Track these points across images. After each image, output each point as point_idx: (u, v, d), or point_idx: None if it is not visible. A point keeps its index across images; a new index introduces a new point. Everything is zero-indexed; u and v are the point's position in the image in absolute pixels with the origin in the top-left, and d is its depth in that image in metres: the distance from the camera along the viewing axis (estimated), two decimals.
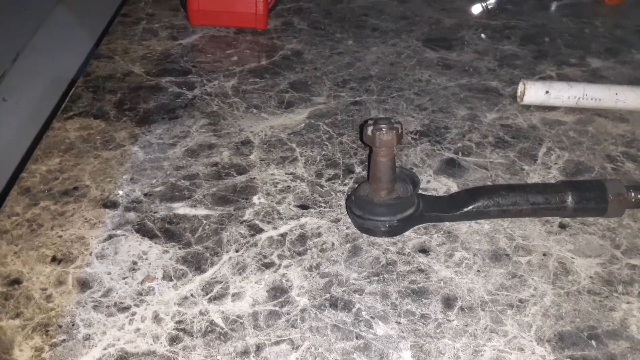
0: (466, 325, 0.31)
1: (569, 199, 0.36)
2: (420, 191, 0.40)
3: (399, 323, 0.31)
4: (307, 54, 0.60)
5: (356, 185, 0.40)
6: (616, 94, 0.49)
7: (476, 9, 0.69)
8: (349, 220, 0.38)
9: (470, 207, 0.36)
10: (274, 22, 0.66)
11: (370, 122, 0.36)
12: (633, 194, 0.36)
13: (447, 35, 0.64)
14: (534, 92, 0.50)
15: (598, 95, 0.50)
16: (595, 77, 0.56)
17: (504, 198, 0.36)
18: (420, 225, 0.38)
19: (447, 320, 0.31)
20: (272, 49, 0.60)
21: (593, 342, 0.30)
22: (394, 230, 0.37)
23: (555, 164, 0.44)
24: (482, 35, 0.64)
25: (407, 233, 0.37)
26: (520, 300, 0.32)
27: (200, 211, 0.39)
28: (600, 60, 0.60)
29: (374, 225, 0.36)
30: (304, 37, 0.63)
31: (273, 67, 0.57)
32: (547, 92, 0.50)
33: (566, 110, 0.51)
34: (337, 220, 0.38)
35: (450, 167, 0.44)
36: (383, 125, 0.35)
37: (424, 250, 0.36)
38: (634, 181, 0.42)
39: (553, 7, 0.73)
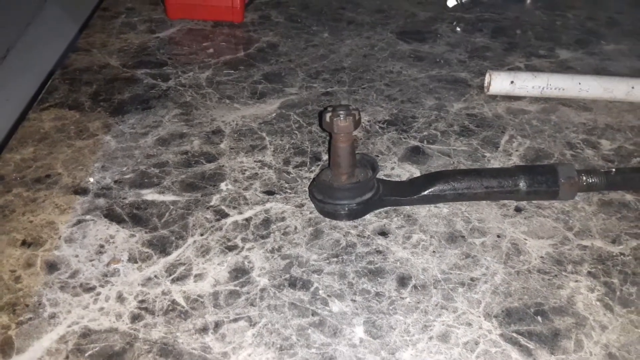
0: (418, 302, 0.32)
1: (522, 183, 0.37)
2: (384, 177, 0.41)
3: (353, 301, 0.32)
4: (283, 46, 0.61)
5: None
6: (579, 83, 0.51)
7: (451, 2, 0.70)
8: (313, 205, 0.40)
9: (428, 191, 0.38)
10: (252, 16, 0.67)
11: (329, 109, 0.37)
12: (584, 178, 0.38)
13: (421, 28, 0.66)
14: (499, 83, 0.51)
15: (562, 85, 0.51)
16: (562, 68, 0.58)
17: (460, 182, 0.38)
18: (382, 209, 0.39)
19: (400, 297, 0.33)
20: (248, 42, 0.61)
21: (539, 318, 0.31)
22: (354, 214, 0.38)
23: (516, 151, 0.46)
24: (457, 29, 0.66)
25: (368, 217, 0.38)
26: (472, 279, 0.34)
27: (168, 197, 0.40)
28: (569, 51, 0.61)
29: (334, 209, 0.38)
30: (280, 30, 0.64)
31: (248, 59, 0.58)
32: (512, 82, 0.51)
33: (531, 99, 0.52)
34: (301, 206, 0.40)
35: (415, 155, 0.45)
36: (341, 112, 0.36)
37: (383, 233, 0.37)
38: (591, 166, 0.43)
39: (528, 0, 0.75)
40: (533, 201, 0.40)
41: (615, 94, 0.51)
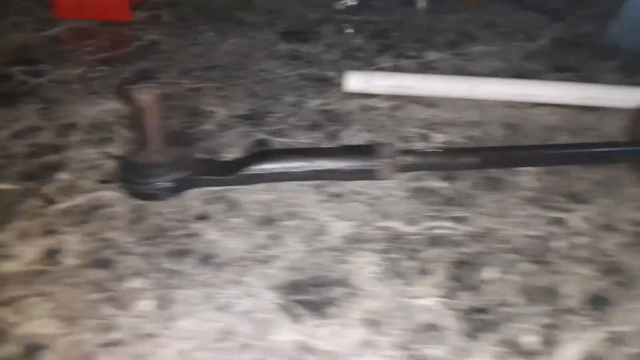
0: (212, 278, 0.35)
1: (342, 162, 0.40)
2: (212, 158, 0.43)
3: (151, 278, 0.35)
4: (164, 44, 0.63)
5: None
6: (427, 82, 0.55)
7: (340, 5, 0.74)
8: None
9: (245, 170, 0.40)
10: (142, 15, 0.69)
11: (131, 87, 0.39)
12: (400, 157, 0.41)
13: (307, 29, 0.69)
14: (354, 81, 0.55)
15: (412, 83, 0.55)
16: (426, 68, 0.62)
17: (277, 162, 0.40)
18: (212, 196, 0.42)
19: (197, 274, 0.36)
20: (130, 40, 0.64)
21: (318, 289, 0.35)
22: (168, 193, 0.40)
23: (355, 143, 0.49)
24: (348, 30, 0.69)
25: (193, 203, 0.41)
26: (270, 257, 0.37)
27: (3, 186, 0.42)
28: (438, 52, 0.65)
29: (145, 189, 0.40)
30: (167, 29, 0.67)
31: (125, 56, 0.61)
32: (366, 81, 0.55)
33: (386, 97, 0.56)
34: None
35: (259, 147, 0.48)
36: (141, 89, 0.38)
37: (203, 217, 0.40)
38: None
39: (417, 4, 0.79)
40: (353, 187, 0.43)
41: (459, 92, 0.55)
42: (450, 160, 0.42)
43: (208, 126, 0.50)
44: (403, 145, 0.48)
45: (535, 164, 0.44)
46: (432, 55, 0.64)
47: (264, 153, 0.41)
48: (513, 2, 0.80)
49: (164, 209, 0.41)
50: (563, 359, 0.32)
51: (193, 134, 0.46)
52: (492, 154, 0.41)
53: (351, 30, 0.68)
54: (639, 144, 0.42)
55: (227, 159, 0.45)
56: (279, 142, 0.48)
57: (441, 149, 0.42)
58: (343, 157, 0.40)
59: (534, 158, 0.42)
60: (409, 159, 0.41)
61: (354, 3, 0.72)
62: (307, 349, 0.32)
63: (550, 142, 0.50)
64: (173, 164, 0.40)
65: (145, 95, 0.37)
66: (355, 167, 0.40)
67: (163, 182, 0.39)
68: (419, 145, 0.49)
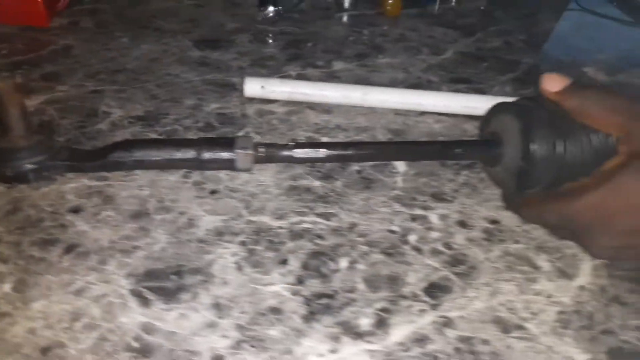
0: (73, 266, 0.37)
1: (203, 153, 0.43)
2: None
3: (14, 264, 0.37)
4: (77, 49, 0.65)
5: None
6: (321, 90, 0.58)
7: (260, 16, 0.77)
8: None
9: (108, 158, 0.43)
10: (62, 21, 0.71)
11: None
12: (260, 150, 0.43)
13: (222, 37, 0.72)
14: (251, 87, 0.57)
15: (306, 90, 0.58)
16: (329, 77, 0.65)
17: (140, 150, 0.43)
18: (88, 191, 0.44)
19: (60, 262, 0.37)
20: (44, 45, 0.66)
21: (174, 277, 0.37)
22: (29, 175, 0.42)
23: None
24: (270, 41, 0.72)
25: (69, 197, 0.43)
26: (134, 247, 0.39)
27: None
28: (345, 63, 0.69)
29: (6, 171, 0.41)
30: (83, 34, 0.69)
31: (35, 60, 0.62)
32: (262, 86, 0.58)
33: (284, 103, 0.59)
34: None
35: None
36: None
37: (76, 210, 0.42)
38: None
39: (336, 17, 0.83)
40: (230, 185, 0.46)
41: (352, 99, 0.58)
42: (304, 154, 0.44)
43: (101, 126, 0.51)
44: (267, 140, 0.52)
45: (387, 159, 0.48)
46: (338, 66, 0.68)
47: (128, 142, 0.44)
48: (430, 18, 0.86)
49: (41, 202, 0.42)
50: (391, 339, 0.35)
51: (54, 123, 0.49)
52: (349, 149, 0.45)
53: (265, 39, 0.72)
54: (483, 143, 0.46)
55: (92, 148, 0.47)
56: None
57: (298, 142, 0.45)
58: (204, 147, 0.43)
59: (385, 152, 0.45)
60: (266, 151, 0.44)
61: (271, 14, 0.76)
62: (149, 329, 0.34)
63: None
64: (35, 148, 0.42)
65: (4, 84, 0.40)
66: (215, 157, 0.43)
67: (24, 165, 0.41)
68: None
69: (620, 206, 0.36)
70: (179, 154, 0.43)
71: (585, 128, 0.39)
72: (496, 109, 0.45)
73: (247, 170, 0.45)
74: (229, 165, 0.44)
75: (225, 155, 0.43)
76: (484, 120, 0.46)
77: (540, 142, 0.39)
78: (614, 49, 0.83)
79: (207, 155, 0.43)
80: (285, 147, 0.44)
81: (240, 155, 0.43)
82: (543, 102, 0.41)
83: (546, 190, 0.41)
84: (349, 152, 0.45)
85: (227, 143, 0.44)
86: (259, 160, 0.44)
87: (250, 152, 0.43)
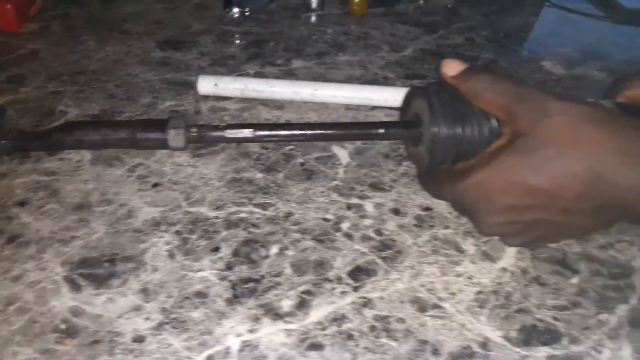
0: (13, 254, 0.39)
1: (137, 133, 0.45)
2: None
3: None
4: (44, 52, 0.67)
5: None
6: (272, 86, 0.60)
7: (226, 17, 0.79)
8: None
9: (51, 137, 0.45)
10: (33, 26, 0.73)
11: None
12: (192, 130, 0.45)
13: (187, 39, 0.74)
14: (204, 84, 0.59)
15: (258, 87, 0.60)
16: (286, 75, 0.67)
17: (79, 131, 0.45)
18: (35, 185, 0.46)
19: (1, 251, 0.40)
20: (13, 49, 0.68)
21: (106, 264, 0.39)
22: None
23: None
24: (237, 42, 0.74)
25: (17, 191, 0.45)
26: (72, 237, 0.41)
27: None
28: (304, 61, 0.70)
29: None
30: (51, 39, 0.71)
31: (2, 63, 0.64)
32: (215, 84, 0.59)
33: (238, 100, 0.61)
34: None
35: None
36: None
37: (22, 203, 0.44)
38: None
39: (303, 17, 0.85)
40: (173, 178, 0.48)
41: (302, 95, 0.60)
42: (235, 134, 0.46)
43: (56, 124, 0.54)
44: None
45: (313, 139, 0.50)
46: (297, 64, 0.69)
47: (69, 123, 0.46)
48: (395, 17, 0.87)
49: None
50: (310, 319, 0.37)
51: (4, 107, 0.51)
52: (278, 129, 0.46)
53: (229, 40, 0.73)
54: (403, 124, 0.47)
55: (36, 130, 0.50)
56: None
57: (229, 123, 0.47)
58: (139, 127, 0.45)
59: (312, 133, 0.46)
60: (198, 131, 0.46)
61: (236, 15, 0.78)
62: (77, 313, 0.36)
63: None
64: None
65: None
66: (148, 137, 0.45)
67: None
68: None
69: (501, 184, 0.37)
70: (115, 134, 0.45)
71: (483, 111, 0.41)
72: (413, 93, 0.46)
73: (180, 149, 0.47)
74: (162, 144, 0.46)
75: (157, 134, 0.45)
76: (404, 102, 0.48)
77: (441, 123, 0.41)
78: (579, 43, 0.85)
79: (140, 135, 0.45)
80: (217, 127, 0.46)
81: (172, 135, 0.45)
82: (448, 87, 0.43)
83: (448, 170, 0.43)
84: (278, 132, 0.46)
85: (161, 123, 0.46)
86: (191, 140, 0.46)
87: (182, 131, 0.45)
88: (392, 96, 0.60)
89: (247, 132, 0.46)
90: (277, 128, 0.46)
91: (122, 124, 0.47)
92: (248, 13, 0.82)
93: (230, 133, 0.46)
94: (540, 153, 0.36)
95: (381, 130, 0.46)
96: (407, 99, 0.47)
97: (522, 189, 0.37)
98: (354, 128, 0.48)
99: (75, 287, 0.37)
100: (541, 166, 0.36)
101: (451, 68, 0.42)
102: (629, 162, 0.35)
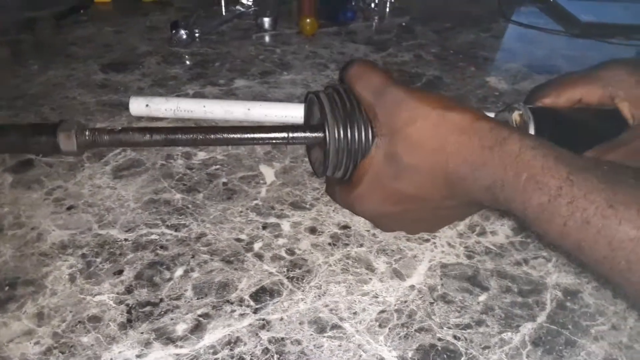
0: None
1: (27, 137, 0.43)
2: None
3: None
4: None
5: None
6: (204, 106, 0.60)
7: (175, 39, 0.80)
8: None
9: None
10: None
11: None
12: (86, 133, 0.43)
13: (132, 60, 0.74)
14: (136, 105, 0.60)
15: (189, 107, 0.60)
16: (226, 95, 0.67)
17: None
18: None
19: None
20: None
21: (6, 288, 0.38)
22: None
23: (115, 161, 0.53)
24: (182, 63, 0.75)
25: None
26: None
27: None
28: (247, 81, 0.71)
29: None
30: None
31: None
32: (147, 105, 0.60)
33: (172, 120, 0.61)
34: None
35: (22, 166, 0.52)
36: None
37: None
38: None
39: (254, 37, 0.85)
40: (89, 200, 0.47)
41: (235, 115, 0.60)
42: (129, 137, 0.44)
43: None
44: (160, 163, 0.54)
45: (213, 144, 0.50)
46: (239, 83, 0.70)
47: None
48: (346, 35, 0.88)
49: None
50: (203, 343, 0.36)
51: None
52: (176, 133, 0.44)
53: (174, 61, 0.74)
54: (304, 127, 0.45)
55: None
56: (42, 160, 0.52)
57: (125, 127, 0.45)
58: (29, 132, 0.44)
59: (214, 137, 0.45)
60: (91, 134, 0.44)
61: (184, 37, 0.79)
62: None
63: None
64: None
65: None
66: (40, 140, 0.43)
67: None
68: (179, 162, 0.54)
69: (378, 196, 0.38)
70: (5, 138, 0.44)
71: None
72: (311, 98, 0.46)
73: (73, 153, 0.44)
74: (54, 147, 0.44)
75: (47, 138, 0.44)
76: (306, 109, 0.48)
77: (331, 125, 0.40)
78: (528, 58, 0.85)
79: (31, 139, 0.44)
80: (112, 131, 0.45)
81: (62, 138, 0.43)
82: (346, 89, 0.42)
83: (345, 174, 0.43)
84: (177, 135, 0.44)
85: (52, 126, 0.44)
86: (83, 143, 0.44)
87: (73, 134, 0.44)
88: None
89: (142, 136, 0.44)
90: (176, 132, 0.44)
91: (13, 128, 0.45)
92: (198, 34, 0.83)
93: (126, 137, 0.44)
94: (400, 160, 0.37)
95: (284, 134, 0.44)
96: (308, 105, 0.47)
97: (396, 197, 0.37)
98: (257, 132, 0.45)
99: None
100: (403, 173, 0.37)
101: (350, 69, 0.41)
102: (476, 167, 0.35)
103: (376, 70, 0.39)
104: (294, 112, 0.60)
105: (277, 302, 0.39)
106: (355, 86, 0.39)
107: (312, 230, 0.46)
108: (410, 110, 0.36)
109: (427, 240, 0.45)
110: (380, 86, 0.37)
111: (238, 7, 0.96)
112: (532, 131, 0.44)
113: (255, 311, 0.38)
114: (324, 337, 0.37)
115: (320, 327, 0.37)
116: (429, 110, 0.36)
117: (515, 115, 0.45)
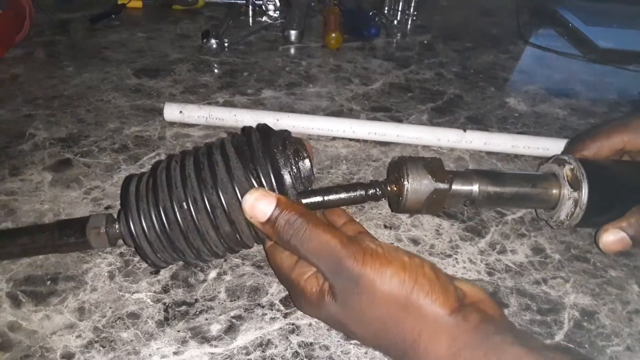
0: None
1: (57, 240, 0.40)
2: None
3: None
4: (23, 77, 0.70)
5: None
6: (235, 115, 0.62)
7: (205, 48, 0.82)
8: None
9: None
10: (17, 52, 0.77)
11: None
12: (114, 228, 0.40)
13: (163, 67, 0.77)
14: (170, 111, 0.62)
15: (221, 115, 0.62)
16: (255, 104, 0.69)
17: None
18: None
19: None
20: None
21: (49, 282, 0.40)
22: None
23: (151, 162, 0.55)
24: (212, 71, 0.77)
25: None
26: None
27: None
28: (274, 92, 0.73)
29: None
30: (33, 64, 0.74)
31: None
32: (181, 111, 0.62)
33: (203, 127, 0.63)
34: None
35: (61, 165, 0.54)
36: None
37: None
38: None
39: (281, 49, 0.88)
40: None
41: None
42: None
43: (24, 146, 0.56)
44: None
45: None
46: (267, 94, 0.72)
47: None
48: (369, 51, 0.90)
49: None
50: (236, 343, 0.38)
51: None
52: None
53: (204, 69, 0.76)
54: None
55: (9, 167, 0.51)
56: (81, 161, 0.54)
57: None
58: (57, 231, 0.40)
59: None
60: (119, 229, 0.41)
61: (215, 46, 0.81)
62: (14, 328, 0.37)
63: (332, 169, 0.57)
64: None
65: None
66: (66, 242, 0.40)
67: None
68: None
69: (330, 323, 0.38)
70: (32, 246, 0.40)
71: None
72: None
73: (104, 248, 0.42)
74: (84, 246, 0.40)
75: (76, 238, 0.40)
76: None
77: None
78: (546, 81, 0.87)
79: (59, 241, 0.40)
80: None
81: (93, 236, 0.40)
82: None
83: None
84: None
85: (79, 223, 0.40)
86: (114, 237, 0.40)
87: (103, 230, 0.40)
88: (350, 127, 0.62)
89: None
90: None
91: (39, 229, 0.41)
92: (227, 44, 0.85)
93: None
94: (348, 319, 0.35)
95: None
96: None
97: (345, 330, 0.37)
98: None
99: (17, 303, 0.39)
100: (351, 329, 0.36)
101: (257, 209, 0.35)
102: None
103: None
104: (320, 124, 0.62)
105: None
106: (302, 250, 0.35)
107: None
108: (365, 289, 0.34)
109: (450, 256, 0.47)
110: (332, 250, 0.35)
111: (265, 18, 0.99)
112: (585, 188, 0.44)
113: (285, 316, 0.40)
114: (351, 344, 0.38)
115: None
116: (378, 292, 0.33)
117: (567, 171, 0.45)
